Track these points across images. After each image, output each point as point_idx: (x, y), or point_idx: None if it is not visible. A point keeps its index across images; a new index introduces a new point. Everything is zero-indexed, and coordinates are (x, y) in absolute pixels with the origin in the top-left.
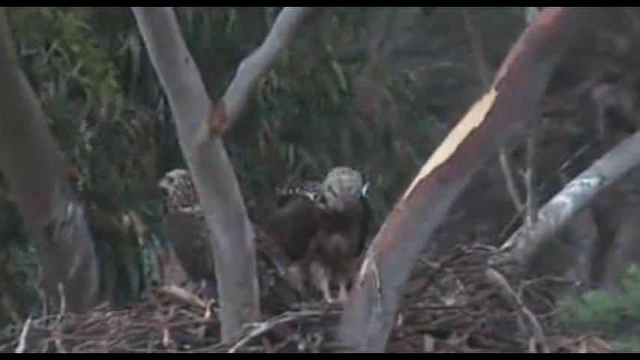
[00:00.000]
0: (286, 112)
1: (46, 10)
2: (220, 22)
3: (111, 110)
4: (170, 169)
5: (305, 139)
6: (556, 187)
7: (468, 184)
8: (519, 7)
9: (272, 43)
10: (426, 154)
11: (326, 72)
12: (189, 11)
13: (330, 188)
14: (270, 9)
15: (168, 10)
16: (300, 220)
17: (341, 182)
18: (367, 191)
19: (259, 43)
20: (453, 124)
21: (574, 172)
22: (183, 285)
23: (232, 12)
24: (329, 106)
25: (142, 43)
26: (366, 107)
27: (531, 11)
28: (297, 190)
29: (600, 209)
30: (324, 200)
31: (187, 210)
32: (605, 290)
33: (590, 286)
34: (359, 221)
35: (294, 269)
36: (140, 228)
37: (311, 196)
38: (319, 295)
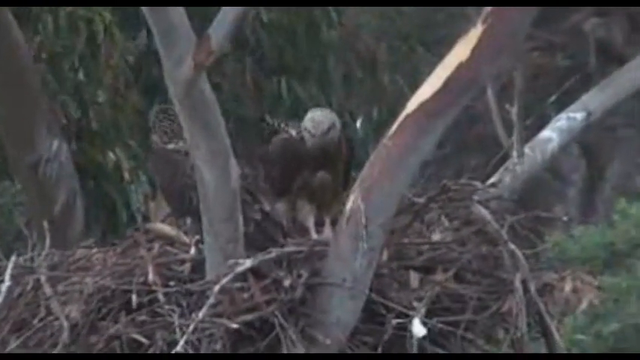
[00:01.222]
0: (275, 46)
1: None
2: None
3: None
4: (155, 103)
5: (294, 73)
6: (545, 121)
7: (456, 119)
8: None
9: None
10: (416, 88)
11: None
12: None
13: (305, 128)
14: None
15: None
16: (285, 157)
17: (313, 119)
18: (361, 126)
19: None
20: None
21: (563, 106)
22: (164, 220)
23: None
24: (318, 39)
25: None
26: (355, 40)
27: None
28: (282, 125)
29: (589, 144)
30: (302, 139)
31: (171, 146)
32: (594, 225)
33: (579, 221)
34: (343, 158)
35: (280, 205)
36: (126, 164)
37: (294, 133)
38: (305, 232)
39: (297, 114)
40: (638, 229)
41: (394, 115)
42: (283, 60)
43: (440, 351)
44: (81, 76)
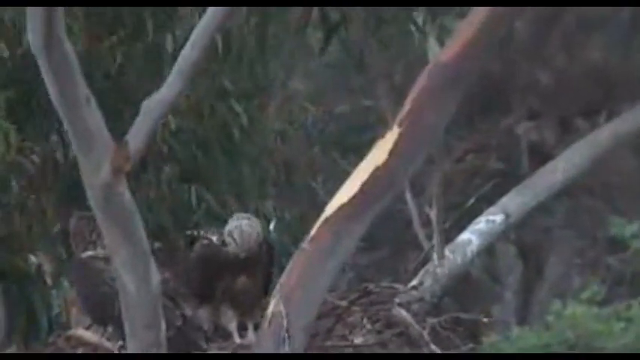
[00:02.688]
0: (187, 154)
1: None
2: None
3: (6, 148)
4: (71, 207)
5: (207, 180)
6: (467, 220)
7: (382, 220)
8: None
9: (174, 82)
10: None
11: (225, 109)
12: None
13: (230, 234)
14: (169, 48)
15: (69, 49)
16: (206, 263)
17: (241, 229)
18: (274, 227)
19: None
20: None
21: (485, 203)
22: (88, 328)
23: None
24: (231, 144)
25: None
26: (269, 144)
27: (432, 48)
28: (202, 233)
29: (525, 245)
30: (224, 245)
31: (90, 253)
32: (530, 327)
33: (517, 322)
34: (263, 264)
35: (202, 311)
36: (48, 268)
37: (214, 239)
38: (228, 336)
39: (210, 222)
40: (574, 330)
41: (307, 216)
42: (194, 167)
43: None
44: None
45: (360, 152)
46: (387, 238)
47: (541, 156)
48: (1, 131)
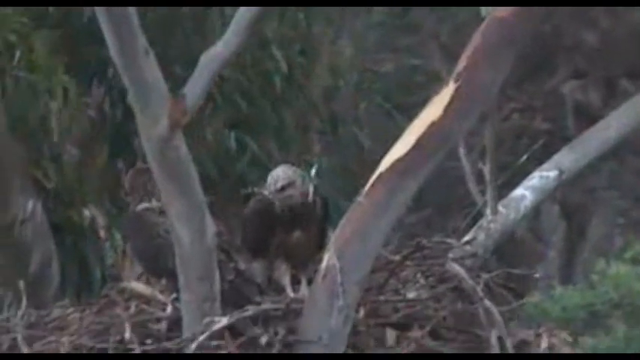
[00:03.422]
0: (231, 103)
1: None
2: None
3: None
4: (124, 161)
5: (251, 129)
6: (519, 177)
7: (436, 180)
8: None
9: (231, 37)
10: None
11: (267, 58)
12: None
13: (270, 186)
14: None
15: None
16: (260, 218)
17: (272, 177)
18: (315, 173)
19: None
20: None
21: (537, 162)
22: (139, 279)
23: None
24: (273, 93)
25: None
26: (315, 98)
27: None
28: (255, 189)
29: (570, 205)
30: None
31: (144, 205)
32: (574, 286)
33: (560, 281)
34: (317, 218)
35: (256, 265)
36: (101, 222)
37: (266, 193)
38: (281, 290)
39: (254, 171)
40: (618, 290)
41: (354, 165)
42: (239, 115)
43: None
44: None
45: (405, 111)
46: (434, 196)
47: (587, 117)
48: (60, 86)
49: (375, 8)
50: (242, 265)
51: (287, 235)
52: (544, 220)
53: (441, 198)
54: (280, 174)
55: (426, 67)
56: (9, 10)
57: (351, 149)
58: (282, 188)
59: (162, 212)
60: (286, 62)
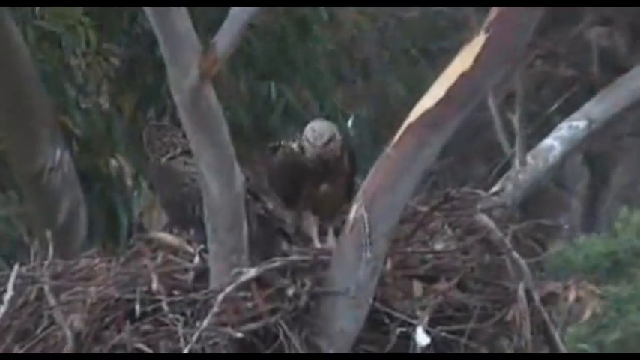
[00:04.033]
0: (264, 51)
1: None
2: None
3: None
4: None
5: (284, 77)
6: (548, 130)
7: (460, 128)
8: None
9: None
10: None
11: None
12: None
13: (306, 138)
14: None
15: None
16: (287, 171)
17: (314, 131)
18: (353, 123)
19: None
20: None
21: (566, 115)
22: (165, 229)
23: None
24: (308, 41)
25: None
26: (350, 45)
27: None
28: (282, 142)
29: (592, 153)
30: (303, 151)
31: (168, 156)
32: (597, 234)
33: (583, 229)
34: (345, 170)
35: (285, 212)
36: (129, 171)
37: (295, 146)
38: (309, 240)
39: (289, 119)
40: None
41: (387, 115)
42: (274, 64)
43: None
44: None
45: (431, 57)
46: (457, 144)
47: (612, 64)
48: (82, 30)
49: None
50: (270, 206)
51: (315, 188)
52: (567, 168)
53: (463, 146)
54: (325, 128)
55: (451, 13)
56: None
57: (382, 98)
58: (329, 141)
59: (187, 162)
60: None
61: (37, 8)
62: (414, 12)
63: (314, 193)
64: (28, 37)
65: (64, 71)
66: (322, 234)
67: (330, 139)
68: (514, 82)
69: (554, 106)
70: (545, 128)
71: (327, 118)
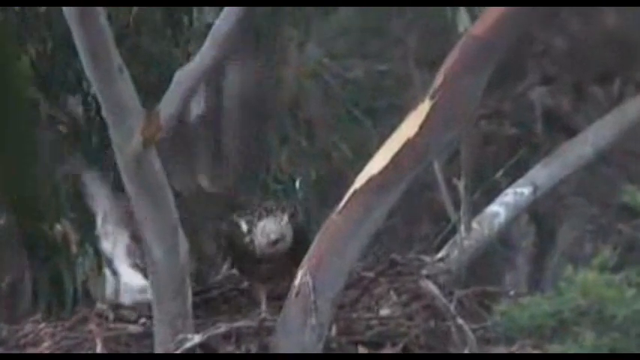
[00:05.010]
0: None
1: None
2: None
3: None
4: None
5: None
6: (493, 191)
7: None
8: (450, 10)
9: (207, 52)
10: (359, 151)
11: None
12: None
13: (254, 233)
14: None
15: (103, 19)
16: (234, 253)
17: (264, 230)
18: (299, 186)
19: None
20: (389, 127)
21: (511, 176)
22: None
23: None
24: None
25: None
26: (294, 106)
27: (463, 20)
28: (234, 216)
29: (538, 212)
30: (252, 242)
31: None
32: (542, 293)
33: (526, 292)
34: (294, 252)
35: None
36: (73, 236)
37: (243, 226)
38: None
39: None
40: (585, 297)
41: (333, 175)
42: None
43: None
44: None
45: (374, 116)
46: (400, 203)
47: (556, 122)
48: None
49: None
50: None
51: (260, 269)
52: (512, 226)
53: (406, 206)
54: (274, 228)
55: (395, 71)
56: None
57: (326, 158)
58: (276, 242)
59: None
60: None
61: None
62: (358, 71)
63: (261, 271)
64: None
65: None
66: (272, 298)
67: (278, 240)
68: (458, 143)
69: (500, 173)
70: (491, 192)
71: (274, 179)
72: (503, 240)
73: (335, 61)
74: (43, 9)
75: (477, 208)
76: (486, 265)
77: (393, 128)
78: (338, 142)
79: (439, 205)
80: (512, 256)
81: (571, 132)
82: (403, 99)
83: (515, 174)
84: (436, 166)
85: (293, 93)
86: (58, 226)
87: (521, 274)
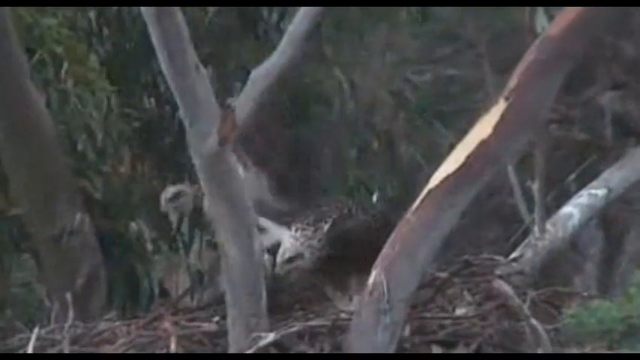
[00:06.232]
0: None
1: (25, 14)
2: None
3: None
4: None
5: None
6: (564, 195)
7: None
8: (525, 11)
9: (283, 51)
10: (432, 160)
11: (328, 79)
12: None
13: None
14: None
15: (180, 17)
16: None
17: (282, 247)
18: (377, 199)
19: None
20: (459, 131)
21: (581, 180)
22: (185, 294)
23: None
24: (331, 113)
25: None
26: (369, 115)
27: (541, 21)
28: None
29: (607, 217)
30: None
31: None
32: (611, 298)
33: (597, 294)
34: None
35: None
36: (148, 235)
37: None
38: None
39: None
40: None
41: (410, 188)
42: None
43: None
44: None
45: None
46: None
47: (625, 128)
48: (103, 94)
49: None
50: None
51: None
52: (581, 231)
53: (475, 210)
54: (287, 245)
55: (464, 76)
56: (53, 20)
57: (401, 168)
58: (290, 260)
59: None
60: (349, 85)
61: (63, 71)
62: (428, 76)
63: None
64: (51, 100)
65: (85, 135)
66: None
67: (292, 258)
68: (530, 146)
69: (573, 176)
70: (560, 197)
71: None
72: (572, 245)
73: (407, 66)
74: (114, 9)
75: (547, 212)
76: (556, 268)
77: (464, 132)
78: (411, 150)
79: (509, 208)
80: (581, 261)
81: None
82: (474, 102)
83: (584, 179)
84: (510, 169)
85: (369, 101)
86: (133, 225)
87: (589, 278)
